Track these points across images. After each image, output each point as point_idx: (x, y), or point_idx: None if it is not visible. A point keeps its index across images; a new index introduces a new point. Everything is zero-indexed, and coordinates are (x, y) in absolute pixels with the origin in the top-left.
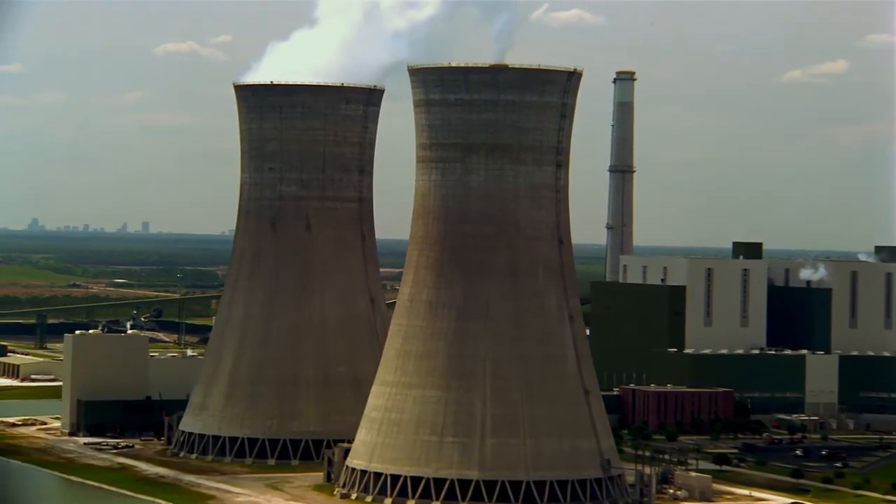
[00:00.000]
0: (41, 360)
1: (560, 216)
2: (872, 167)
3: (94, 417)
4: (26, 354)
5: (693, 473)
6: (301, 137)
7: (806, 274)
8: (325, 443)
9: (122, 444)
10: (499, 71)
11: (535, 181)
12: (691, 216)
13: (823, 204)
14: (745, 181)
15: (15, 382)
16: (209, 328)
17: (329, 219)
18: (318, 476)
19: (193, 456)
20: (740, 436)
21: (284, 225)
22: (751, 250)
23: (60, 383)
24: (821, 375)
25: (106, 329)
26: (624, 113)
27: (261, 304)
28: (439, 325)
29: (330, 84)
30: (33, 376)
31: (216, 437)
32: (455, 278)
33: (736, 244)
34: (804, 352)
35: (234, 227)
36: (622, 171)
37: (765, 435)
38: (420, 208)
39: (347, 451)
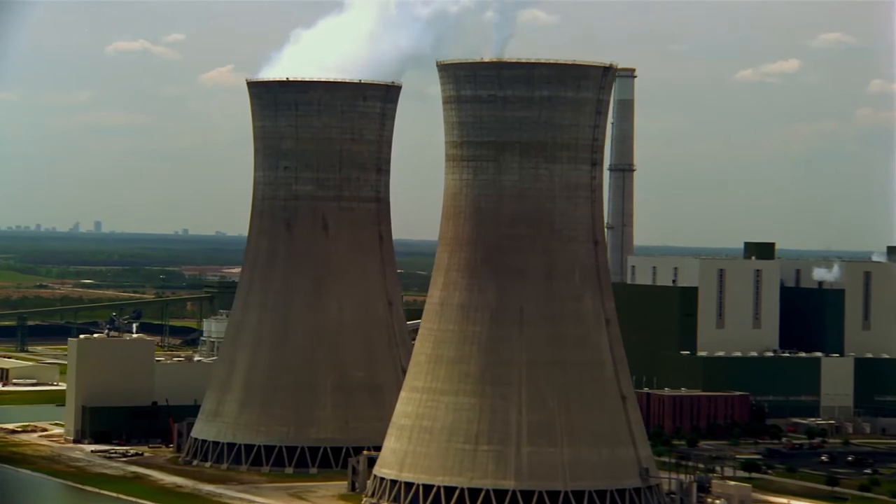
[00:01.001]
0: (29, 363)
1: (595, 216)
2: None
3: (100, 424)
4: (8, 357)
5: (731, 482)
6: (317, 135)
7: (819, 274)
8: (343, 450)
9: (132, 451)
10: (533, 66)
11: (570, 180)
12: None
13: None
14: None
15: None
16: (191, 330)
17: (346, 219)
18: (341, 485)
19: (208, 464)
20: (759, 441)
21: (300, 225)
22: (762, 250)
23: (48, 387)
24: (836, 378)
25: (109, 330)
26: (624, 111)
27: (276, 307)
28: (472, 329)
29: (347, 80)
30: (15, 380)
31: (231, 445)
32: (488, 281)
33: (748, 244)
34: (818, 354)
35: (188, 227)
36: (622, 169)
37: (784, 440)
38: (450, 208)
39: (372, 460)
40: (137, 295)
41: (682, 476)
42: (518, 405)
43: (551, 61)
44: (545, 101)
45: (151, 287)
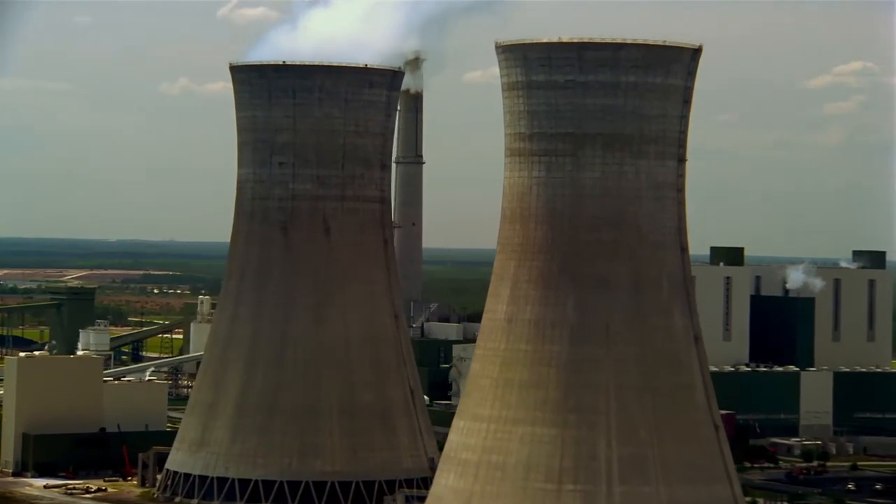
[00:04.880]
0: None
1: (681, 219)
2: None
3: (44, 454)
4: None
5: None
6: (318, 127)
7: (792, 282)
8: (353, 485)
9: (94, 487)
10: (620, 47)
11: (657, 178)
12: None
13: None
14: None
15: None
16: (30, 342)
17: (349, 222)
18: None
19: (194, 502)
20: (753, 465)
21: (298, 229)
22: (731, 256)
23: None
24: (815, 394)
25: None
26: None
27: (272, 320)
28: (549, 348)
29: (352, 65)
30: None
31: (222, 480)
32: (567, 293)
33: (714, 249)
34: (793, 368)
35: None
36: None
37: (787, 465)
38: (516, 210)
39: (408, 499)
40: None
41: None
42: (607, 436)
43: (639, 42)
44: (631, 87)
45: None
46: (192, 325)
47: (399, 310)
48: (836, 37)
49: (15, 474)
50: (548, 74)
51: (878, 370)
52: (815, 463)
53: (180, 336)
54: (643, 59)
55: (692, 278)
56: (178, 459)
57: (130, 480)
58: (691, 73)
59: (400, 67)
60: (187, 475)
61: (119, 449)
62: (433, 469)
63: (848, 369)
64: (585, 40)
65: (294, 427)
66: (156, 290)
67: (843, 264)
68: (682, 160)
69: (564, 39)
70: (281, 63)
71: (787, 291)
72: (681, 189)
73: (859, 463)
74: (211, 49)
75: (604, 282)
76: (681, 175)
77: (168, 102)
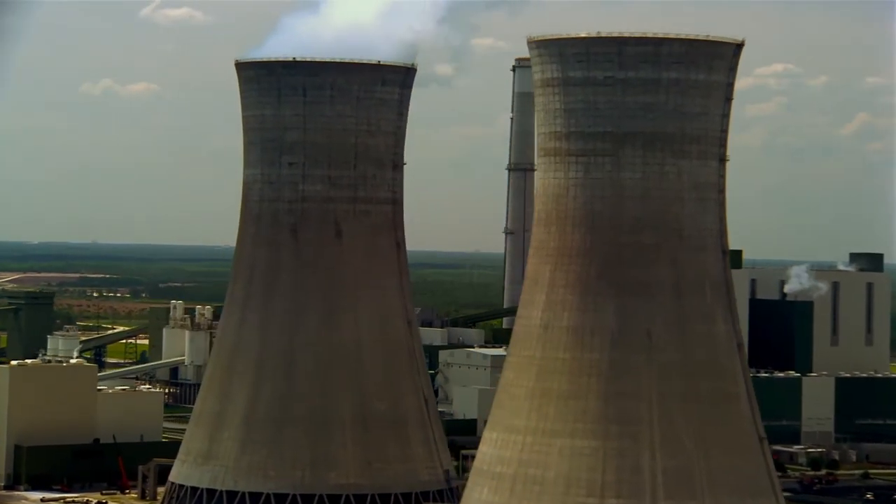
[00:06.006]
0: None
1: (723, 221)
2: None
3: (38, 466)
4: None
5: None
6: (329, 126)
7: (792, 285)
8: (368, 498)
9: (94, 500)
10: (661, 42)
11: (698, 179)
12: None
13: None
14: None
15: None
16: None
17: (361, 224)
18: None
19: None
20: None
21: (309, 231)
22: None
23: None
24: (817, 400)
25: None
26: (525, 104)
27: (282, 327)
28: (589, 356)
29: (365, 61)
30: None
31: (232, 493)
32: (606, 299)
33: None
34: (794, 374)
35: None
36: (524, 169)
37: (797, 474)
38: (551, 212)
39: None
40: None
41: None
42: (651, 448)
43: (681, 36)
44: (673, 84)
45: None
46: (164, 330)
47: (412, 315)
48: (756, 38)
49: (7, 488)
50: (586, 71)
51: (879, 375)
52: (823, 471)
53: (146, 341)
54: (685, 55)
55: (732, 283)
56: (184, 472)
57: (128, 493)
58: (732, 70)
59: (413, 64)
60: (194, 489)
61: (114, 460)
62: (448, 481)
63: (847, 374)
64: (626, 35)
65: (306, 438)
66: (95, 294)
67: (841, 267)
68: (723, 160)
69: (603, 34)
70: (291, 59)
71: (784, 295)
72: (722, 190)
73: (860, 471)
74: (133, 49)
75: (645, 287)
76: (722, 175)
77: (90, 103)
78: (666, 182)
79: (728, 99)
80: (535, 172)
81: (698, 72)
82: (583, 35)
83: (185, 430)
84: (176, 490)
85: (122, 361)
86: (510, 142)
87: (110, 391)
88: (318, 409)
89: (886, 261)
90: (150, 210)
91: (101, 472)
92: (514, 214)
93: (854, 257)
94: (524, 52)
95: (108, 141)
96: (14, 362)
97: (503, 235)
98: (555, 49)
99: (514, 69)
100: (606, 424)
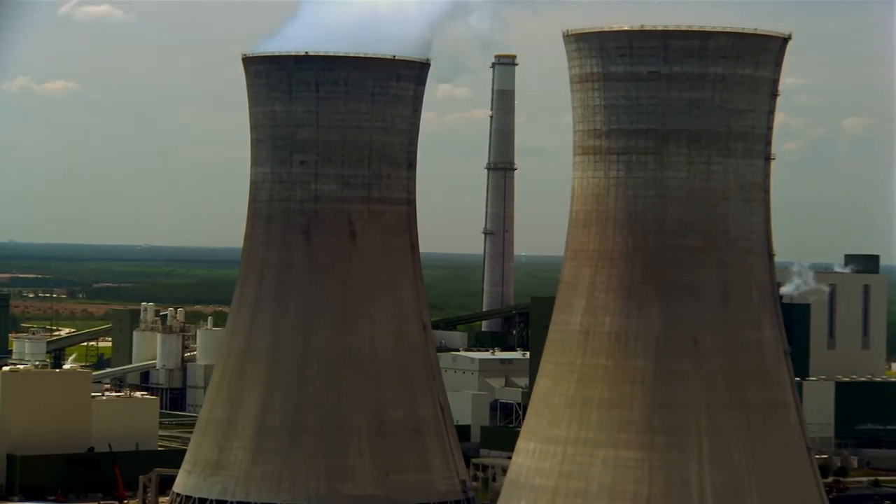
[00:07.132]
0: None
1: (768, 223)
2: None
3: (32, 477)
4: None
5: None
6: (343, 123)
7: (787, 287)
8: None
9: None
10: (708, 36)
11: (745, 179)
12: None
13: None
14: None
15: None
16: None
17: (376, 225)
18: None
19: None
20: None
21: (322, 233)
22: None
23: None
24: (818, 405)
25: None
26: (504, 102)
27: (295, 330)
28: (633, 363)
29: (379, 56)
30: None
31: None
32: (651, 303)
33: None
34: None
35: None
36: (502, 168)
37: None
38: (590, 213)
39: None
40: None
41: None
42: (699, 459)
43: (728, 30)
44: (719, 79)
45: None
46: (134, 333)
47: (427, 319)
48: None
49: (1, 499)
50: (628, 65)
51: (877, 379)
52: (830, 479)
53: (107, 344)
54: (732, 49)
55: (777, 288)
56: (191, 483)
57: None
58: (778, 65)
59: (428, 59)
60: (202, 500)
61: (110, 470)
62: (466, 492)
63: (845, 378)
64: (671, 28)
65: (321, 447)
66: (31, 294)
67: (837, 269)
68: (768, 159)
69: (647, 27)
70: (303, 53)
71: (781, 297)
72: (767, 190)
73: (868, 478)
74: (51, 47)
75: (691, 291)
76: (767, 175)
77: (5, 101)
78: (712, 182)
79: (774, 95)
80: (573, 171)
81: (745, 66)
82: (626, 28)
83: (166, 436)
84: (182, 502)
85: (83, 365)
86: (489, 140)
87: (104, 398)
88: (333, 417)
89: (883, 262)
90: (71, 209)
91: (97, 481)
92: (494, 215)
93: (850, 259)
94: (504, 49)
95: (25, 139)
96: (6, 368)
97: (481, 236)
98: (595, 43)
99: (492, 66)
100: (652, 435)
